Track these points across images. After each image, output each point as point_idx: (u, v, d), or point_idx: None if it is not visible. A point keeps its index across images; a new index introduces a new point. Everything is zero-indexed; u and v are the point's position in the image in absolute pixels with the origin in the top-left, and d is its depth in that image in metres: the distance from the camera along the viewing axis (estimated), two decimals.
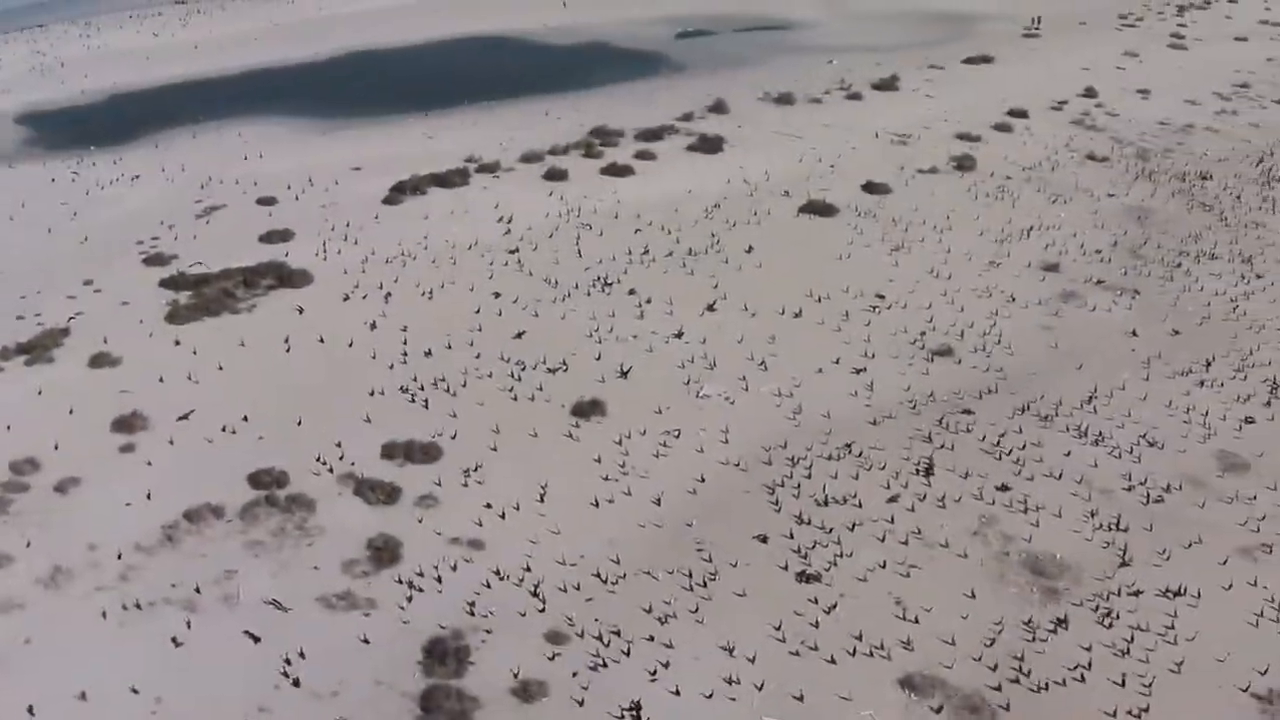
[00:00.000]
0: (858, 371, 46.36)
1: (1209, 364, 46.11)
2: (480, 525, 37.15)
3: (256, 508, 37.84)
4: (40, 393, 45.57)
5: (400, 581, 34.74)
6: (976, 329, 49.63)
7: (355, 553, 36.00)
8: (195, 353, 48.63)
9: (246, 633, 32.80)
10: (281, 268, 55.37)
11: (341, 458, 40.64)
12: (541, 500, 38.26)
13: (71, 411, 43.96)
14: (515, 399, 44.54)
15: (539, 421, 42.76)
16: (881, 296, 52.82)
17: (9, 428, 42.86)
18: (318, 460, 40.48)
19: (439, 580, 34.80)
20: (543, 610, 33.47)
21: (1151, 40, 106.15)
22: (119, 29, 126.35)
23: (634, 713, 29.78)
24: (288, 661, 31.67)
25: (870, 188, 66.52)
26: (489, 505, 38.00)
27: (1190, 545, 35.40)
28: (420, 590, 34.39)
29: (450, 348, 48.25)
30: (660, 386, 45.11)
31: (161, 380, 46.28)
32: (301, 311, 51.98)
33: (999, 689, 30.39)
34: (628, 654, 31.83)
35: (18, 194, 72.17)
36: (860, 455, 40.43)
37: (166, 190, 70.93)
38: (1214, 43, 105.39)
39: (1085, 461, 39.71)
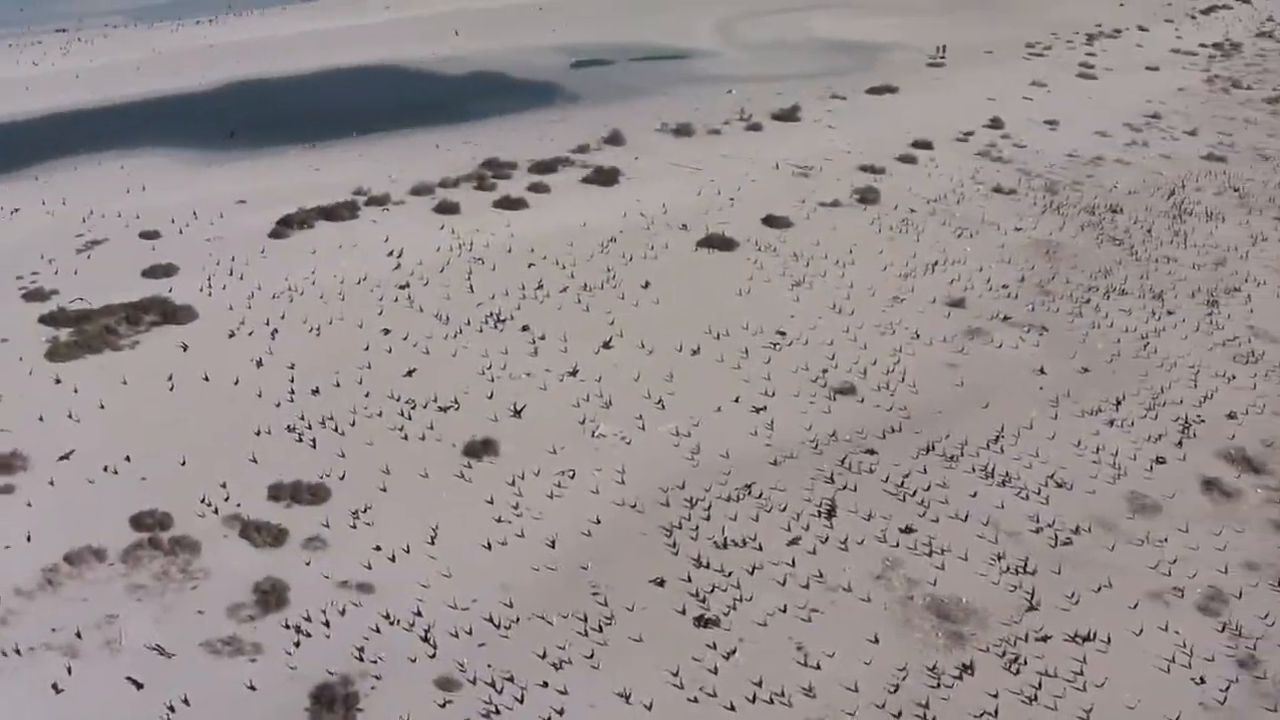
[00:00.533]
0: (758, 410, 52.53)
1: (1119, 403, 53.91)
2: (369, 568, 41.74)
3: (139, 550, 41.87)
4: None
5: (287, 626, 38.70)
6: (880, 366, 56.75)
7: (241, 596, 40.10)
8: (76, 391, 53.10)
9: (129, 679, 36.19)
10: (165, 303, 61.28)
11: (227, 499, 45.23)
12: (432, 542, 43.07)
13: None
14: (405, 438, 49.96)
15: (430, 461, 48.06)
16: (782, 333, 59.84)
17: None
18: (202, 501, 45.00)
19: (327, 625, 38.91)
20: (434, 656, 37.61)
21: (1060, 70, 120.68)
22: None
23: None
24: (171, 709, 35.03)
25: (771, 221, 74.78)
26: (378, 548, 42.71)
27: (1100, 589, 41.53)
28: (308, 635, 38.42)
29: (339, 386, 53.90)
30: (555, 426, 50.78)
31: (41, 419, 50.57)
32: (186, 349, 57.44)
33: None
34: (521, 701, 35.98)
35: None
36: (760, 496, 46.14)
37: (47, 224, 76.67)
38: (1124, 72, 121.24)
39: (992, 503, 46.26)
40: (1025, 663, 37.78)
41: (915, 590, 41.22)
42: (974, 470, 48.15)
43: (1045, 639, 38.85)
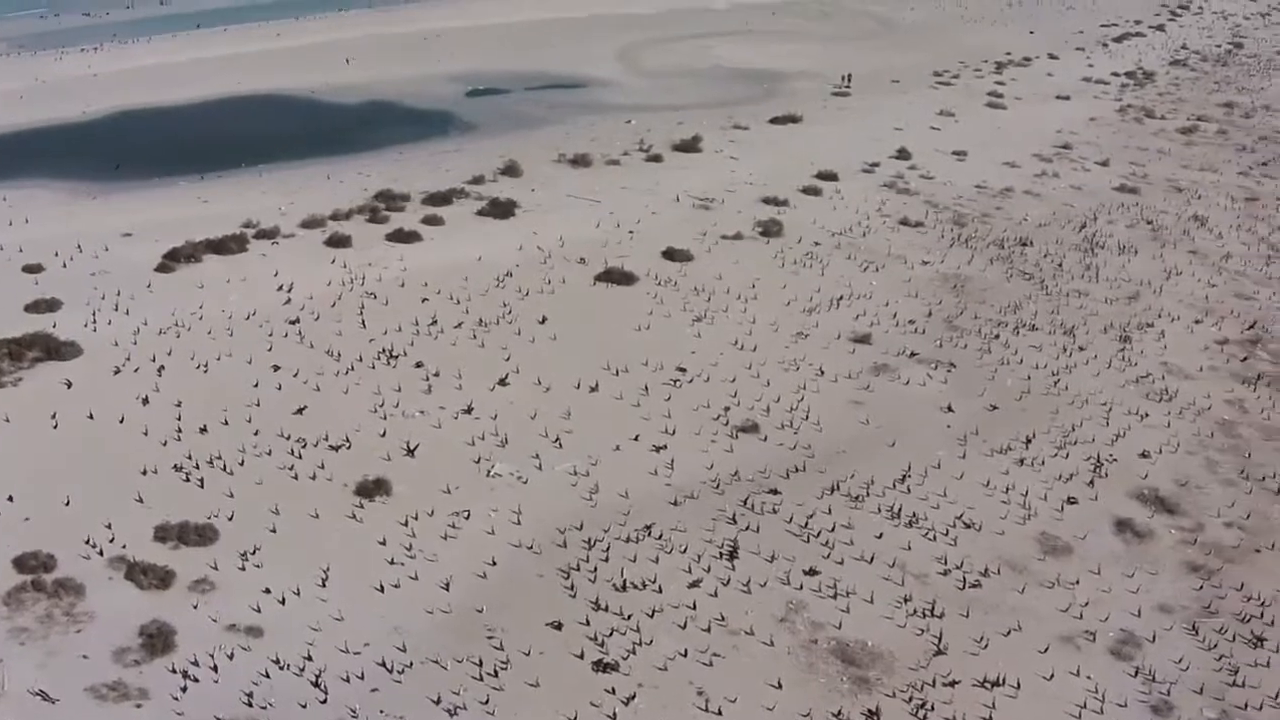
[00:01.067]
0: (658, 449, 55.40)
1: (1029, 441, 57.72)
2: (259, 611, 43.55)
3: (22, 593, 43.34)
4: None
5: (174, 671, 40.27)
6: (783, 404, 59.92)
7: (127, 640, 41.59)
8: None
9: None
10: (49, 339, 63.21)
11: (112, 540, 46.84)
12: (323, 585, 45.03)
13: None
14: (296, 478, 52.21)
15: (321, 502, 50.28)
16: (683, 370, 63.02)
17: None
18: (87, 543, 46.62)
19: (215, 669, 40.56)
20: (324, 701, 39.39)
21: (968, 99, 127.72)
22: None
23: None
24: None
25: (671, 255, 78.52)
26: (268, 590, 44.57)
27: (1009, 633, 44.49)
28: (195, 680, 40.03)
29: (227, 424, 56.14)
30: (449, 465, 53.28)
31: None
32: (70, 386, 59.26)
33: None
34: None
35: None
36: (660, 537, 48.72)
37: None
38: (1034, 102, 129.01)
39: (898, 544, 49.23)
40: (933, 708, 40.41)
41: (820, 634, 43.75)
42: (880, 511, 51.19)
43: (953, 684, 41.52)
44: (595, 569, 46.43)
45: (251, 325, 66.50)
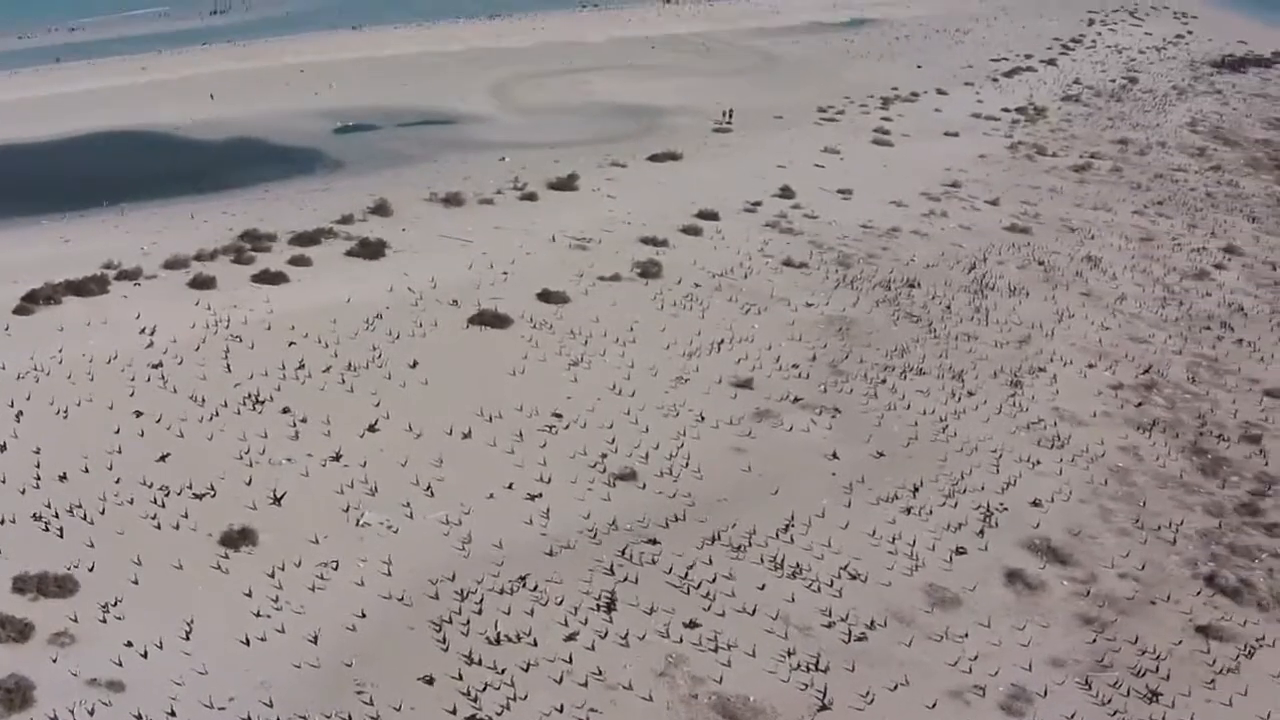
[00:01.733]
0: (533, 497, 57.60)
1: (916, 489, 60.97)
2: (120, 665, 44.54)
3: None
4: None
5: None
6: (662, 451, 62.50)
7: None
8: None
9: None
10: None
11: None
12: (187, 638, 46.14)
13: None
14: (158, 527, 53.41)
15: (184, 552, 51.56)
16: (559, 415, 65.30)
17: None
18: None
19: None
20: None
21: (854, 136, 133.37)
22: None
23: None
24: None
25: (546, 296, 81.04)
26: (130, 643, 45.59)
27: (896, 687, 46.92)
28: None
29: (87, 471, 57.21)
30: (317, 514, 54.95)
31: None
32: None
33: None
34: None
35: None
36: (536, 589, 50.64)
37: None
38: (922, 139, 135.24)
39: (781, 596, 51.69)
40: None
41: (700, 688, 45.81)
42: (762, 561, 53.71)
43: None
44: (468, 621, 48.09)
45: (113, 369, 67.68)
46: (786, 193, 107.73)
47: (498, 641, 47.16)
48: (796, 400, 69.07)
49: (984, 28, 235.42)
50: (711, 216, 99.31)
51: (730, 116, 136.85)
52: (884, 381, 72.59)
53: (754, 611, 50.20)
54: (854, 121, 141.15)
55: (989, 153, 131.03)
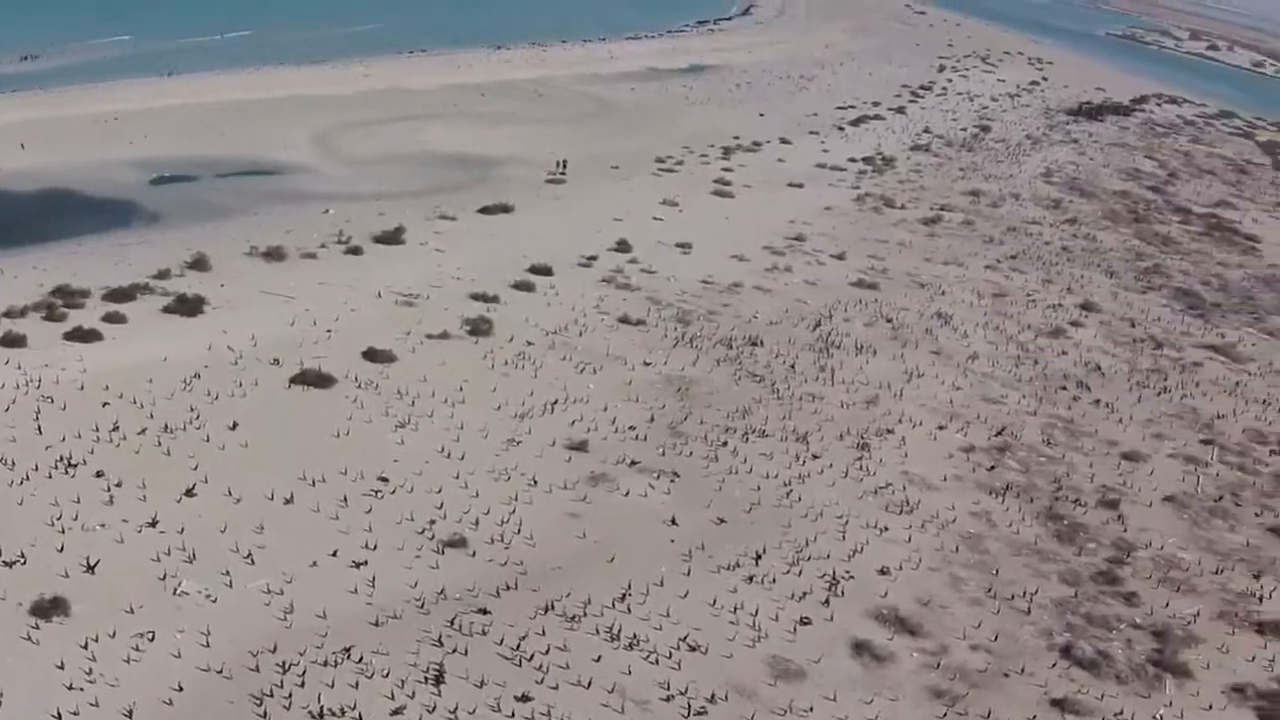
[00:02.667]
0: (358, 565, 59.26)
1: (759, 557, 64.08)
2: None
3: None
4: None
5: None
6: (493, 517, 64.69)
7: None
8: None
9: None
10: None
11: None
12: None
13: None
14: None
15: None
16: (385, 479, 67.12)
17: None
18: None
19: None
20: None
21: (693, 187, 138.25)
22: None
23: None
24: None
25: (372, 355, 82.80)
26: None
27: None
28: None
29: None
30: (132, 582, 55.66)
31: None
32: None
33: None
34: None
35: None
36: (361, 661, 52.30)
37: None
38: (764, 190, 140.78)
39: (618, 668, 54.18)
40: None
41: None
42: (598, 632, 56.16)
43: None
44: (290, 695, 49.47)
45: None
46: (623, 246, 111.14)
47: (321, 716, 48.62)
48: (634, 463, 71.93)
49: (830, 74, 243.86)
50: (545, 271, 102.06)
51: (564, 167, 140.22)
52: (725, 444, 75.87)
53: (589, 684, 52.41)
54: (694, 172, 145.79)
55: (835, 205, 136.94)
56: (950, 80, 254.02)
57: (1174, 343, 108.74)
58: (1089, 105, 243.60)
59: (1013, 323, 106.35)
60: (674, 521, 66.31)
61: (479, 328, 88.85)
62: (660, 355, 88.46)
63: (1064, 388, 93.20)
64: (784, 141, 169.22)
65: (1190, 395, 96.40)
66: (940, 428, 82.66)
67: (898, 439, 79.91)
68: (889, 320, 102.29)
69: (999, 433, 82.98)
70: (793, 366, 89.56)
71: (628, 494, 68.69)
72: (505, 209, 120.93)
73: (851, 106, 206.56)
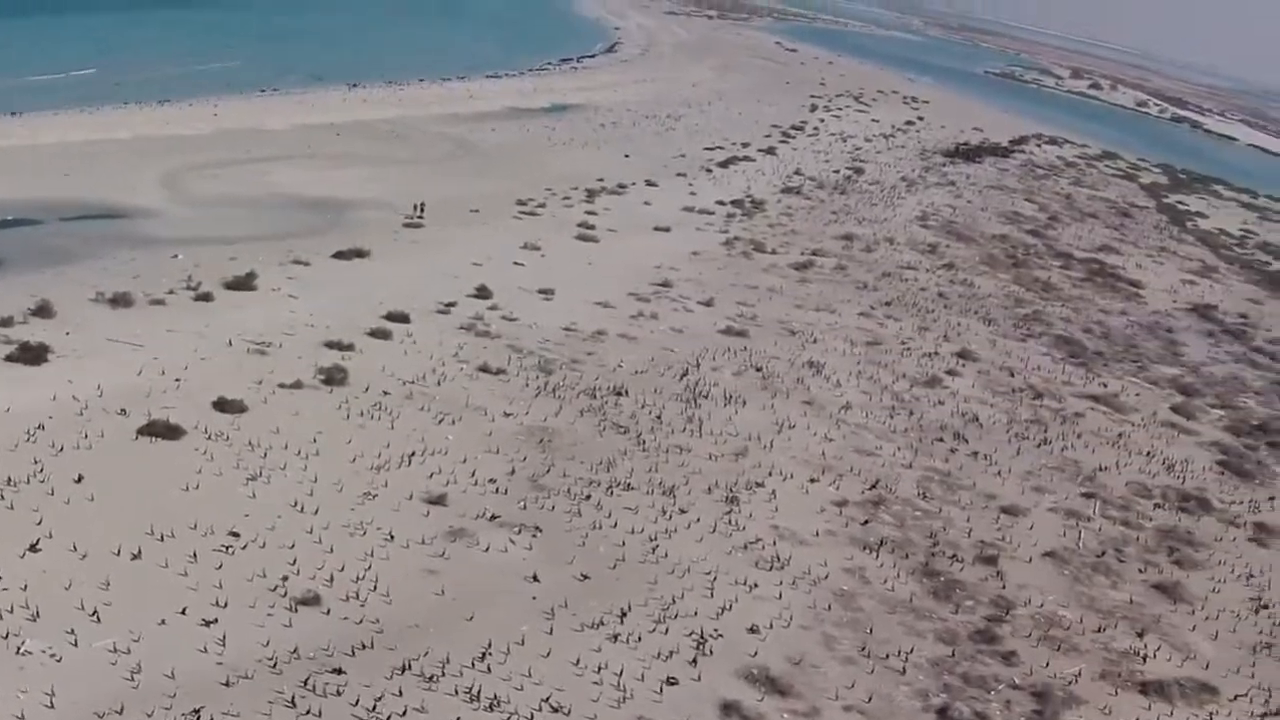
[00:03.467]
0: (208, 623, 60.23)
1: (624, 615, 66.22)
2: None
3: None
4: None
5: None
6: (348, 573, 66.17)
7: None
8: None
9: None
10: None
11: None
12: None
13: None
14: None
15: None
16: (235, 534, 68.21)
17: None
18: None
19: None
20: None
21: (556, 231, 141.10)
22: None
23: None
24: None
25: (222, 405, 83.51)
26: None
27: None
28: None
29: None
30: None
31: None
32: None
33: None
34: None
35: None
36: None
37: None
38: (630, 234, 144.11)
39: None
40: None
41: None
42: (457, 692, 57.79)
43: None
44: None
45: None
46: (483, 293, 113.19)
47: None
48: (494, 518, 73.87)
49: (697, 114, 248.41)
50: (401, 319, 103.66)
51: (422, 210, 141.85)
52: (589, 498, 78.13)
53: None
54: (556, 215, 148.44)
55: (703, 249, 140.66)
56: (822, 120, 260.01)
57: (1054, 393, 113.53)
58: (966, 146, 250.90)
59: (887, 372, 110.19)
60: (536, 578, 68.21)
61: (334, 377, 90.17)
62: (521, 405, 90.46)
63: (940, 439, 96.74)
64: (650, 184, 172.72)
65: (1071, 447, 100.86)
66: (812, 481, 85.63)
67: (768, 492, 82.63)
68: (759, 369, 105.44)
69: (873, 486, 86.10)
70: (659, 417, 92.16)
71: (488, 549, 70.45)
72: (361, 254, 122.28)
73: (720, 147, 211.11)
